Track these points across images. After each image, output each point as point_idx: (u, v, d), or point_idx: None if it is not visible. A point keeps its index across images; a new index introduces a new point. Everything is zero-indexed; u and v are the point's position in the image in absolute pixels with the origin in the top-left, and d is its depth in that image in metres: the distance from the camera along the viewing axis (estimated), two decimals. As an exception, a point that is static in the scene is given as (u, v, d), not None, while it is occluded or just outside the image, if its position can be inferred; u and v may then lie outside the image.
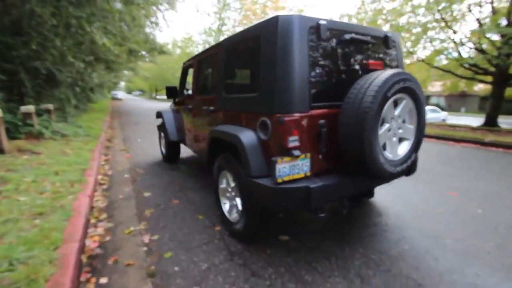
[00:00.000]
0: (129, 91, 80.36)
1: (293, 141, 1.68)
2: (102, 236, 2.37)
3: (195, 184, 3.69)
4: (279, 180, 1.67)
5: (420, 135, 1.98)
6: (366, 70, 1.89)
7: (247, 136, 1.89)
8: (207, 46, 24.76)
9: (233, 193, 2.29)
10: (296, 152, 1.69)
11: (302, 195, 1.69)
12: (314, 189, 1.68)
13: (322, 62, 1.83)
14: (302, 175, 1.76)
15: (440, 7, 8.42)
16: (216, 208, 2.82)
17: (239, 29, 24.03)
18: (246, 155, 1.84)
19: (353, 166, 1.81)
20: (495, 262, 1.99)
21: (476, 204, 3.01)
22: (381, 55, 2.18)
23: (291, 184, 1.70)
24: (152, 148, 6.01)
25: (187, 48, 24.38)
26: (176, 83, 35.15)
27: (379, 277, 1.82)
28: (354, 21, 11.97)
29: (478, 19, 8.02)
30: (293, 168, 1.72)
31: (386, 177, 1.82)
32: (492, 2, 7.90)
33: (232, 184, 2.28)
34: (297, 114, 1.70)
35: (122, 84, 54.64)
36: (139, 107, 21.81)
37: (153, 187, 3.56)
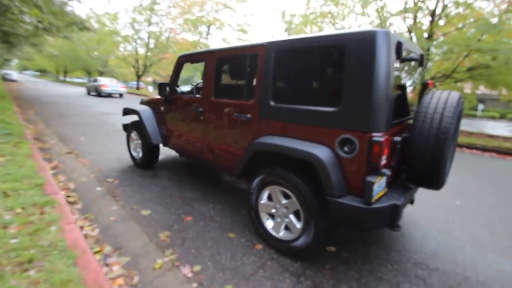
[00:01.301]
0: (21, 70, 65.14)
1: (383, 160, 1.66)
2: (127, 277, 1.89)
3: (195, 193, 3.30)
4: (373, 200, 1.64)
5: (455, 146, 2.24)
6: (424, 88, 2.00)
7: (325, 154, 1.77)
8: (136, 25, 21.92)
9: (284, 210, 2.14)
10: (387, 171, 1.68)
11: (389, 213, 1.71)
12: (400, 205, 1.71)
13: (396, 80, 1.84)
14: (383, 192, 1.77)
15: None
16: (249, 225, 2.61)
17: (175, 10, 22.09)
18: (328, 174, 1.72)
19: (419, 179, 1.92)
20: (498, 248, 2.46)
21: (454, 196, 3.65)
22: (419, 72, 2.34)
23: (380, 203, 1.69)
24: (108, 150, 5.06)
25: (112, 26, 21.09)
26: (94, 64, 30.32)
27: (435, 276, 2.02)
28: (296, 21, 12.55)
29: (408, 29, 9.50)
30: (379, 186, 1.71)
31: (441, 187, 2.00)
32: (415, 18, 9.45)
33: (284, 201, 2.12)
34: (385, 133, 1.68)
35: (14, 61, 43.56)
36: (50, 93, 17.94)
37: (147, 202, 3.01)
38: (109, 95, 17.49)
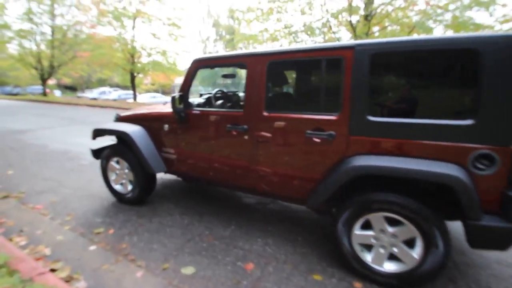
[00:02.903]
0: None
1: (523, 173, 1.55)
2: None
3: (229, 228, 2.69)
4: (516, 218, 1.52)
5: None
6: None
7: (462, 173, 1.56)
8: (34, 17, 17.59)
9: (390, 239, 1.85)
10: (520, 184, 1.58)
11: None
12: None
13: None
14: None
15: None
16: (325, 258, 2.24)
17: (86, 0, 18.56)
18: (472, 197, 1.53)
19: None
20: None
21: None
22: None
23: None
24: (60, 184, 3.78)
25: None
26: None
27: (485, 274, 2.05)
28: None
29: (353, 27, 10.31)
30: (516, 200, 1.60)
31: None
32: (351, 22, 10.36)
33: (390, 229, 1.84)
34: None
35: None
36: None
37: (179, 255, 2.28)
38: None
